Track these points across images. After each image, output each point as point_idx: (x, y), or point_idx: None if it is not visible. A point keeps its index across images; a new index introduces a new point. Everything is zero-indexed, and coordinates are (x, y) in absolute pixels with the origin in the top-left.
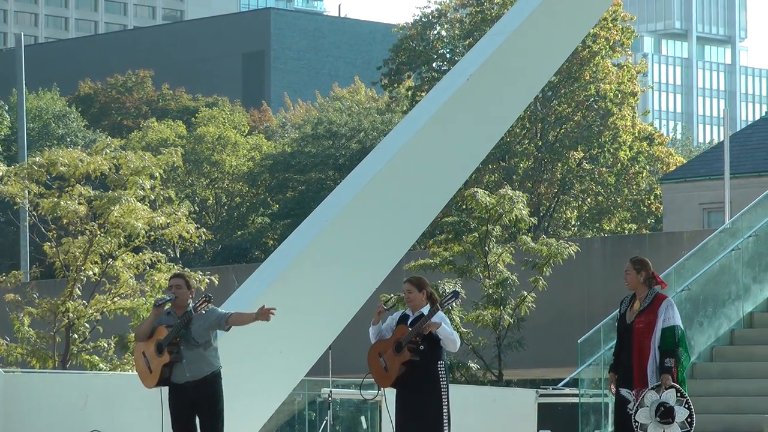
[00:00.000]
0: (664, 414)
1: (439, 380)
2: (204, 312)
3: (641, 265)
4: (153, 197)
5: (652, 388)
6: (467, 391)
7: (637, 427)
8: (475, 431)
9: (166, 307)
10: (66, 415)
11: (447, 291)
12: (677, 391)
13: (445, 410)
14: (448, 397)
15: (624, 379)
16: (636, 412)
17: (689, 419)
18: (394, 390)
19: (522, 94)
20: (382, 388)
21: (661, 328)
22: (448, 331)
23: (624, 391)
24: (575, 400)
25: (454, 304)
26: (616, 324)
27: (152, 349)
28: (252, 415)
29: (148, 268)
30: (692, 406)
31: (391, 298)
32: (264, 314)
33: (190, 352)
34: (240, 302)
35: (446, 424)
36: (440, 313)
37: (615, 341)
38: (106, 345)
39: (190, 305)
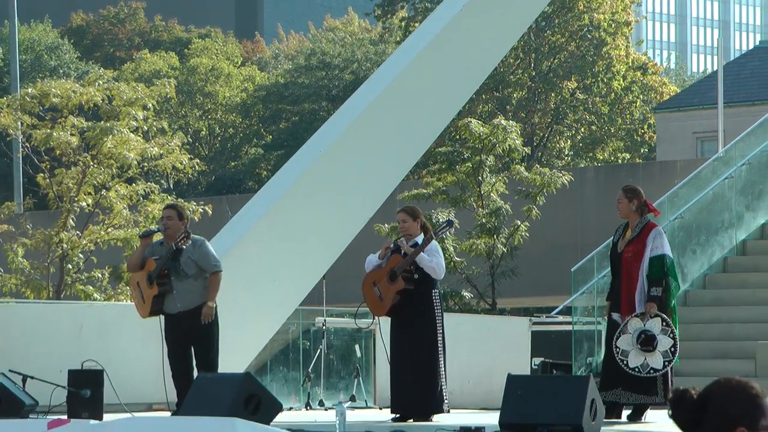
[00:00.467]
0: (645, 342)
1: (434, 309)
2: (184, 247)
3: (633, 193)
4: (146, 128)
5: (636, 316)
6: (461, 319)
7: (617, 353)
8: (469, 359)
9: (155, 238)
10: (61, 345)
11: (441, 221)
12: (663, 320)
13: (440, 339)
14: (442, 326)
15: (615, 305)
16: (617, 338)
17: (672, 349)
18: (389, 319)
19: (516, 23)
20: (376, 317)
21: (648, 257)
22: (428, 260)
23: (615, 315)
24: (568, 328)
25: (447, 232)
26: (609, 252)
27: (145, 280)
28: (247, 344)
29: (141, 198)
30: (677, 336)
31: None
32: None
33: (180, 283)
34: (234, 232)
35: (441, 354)
36: (434, 243)
37: (608, 269)
38: (100, 275)
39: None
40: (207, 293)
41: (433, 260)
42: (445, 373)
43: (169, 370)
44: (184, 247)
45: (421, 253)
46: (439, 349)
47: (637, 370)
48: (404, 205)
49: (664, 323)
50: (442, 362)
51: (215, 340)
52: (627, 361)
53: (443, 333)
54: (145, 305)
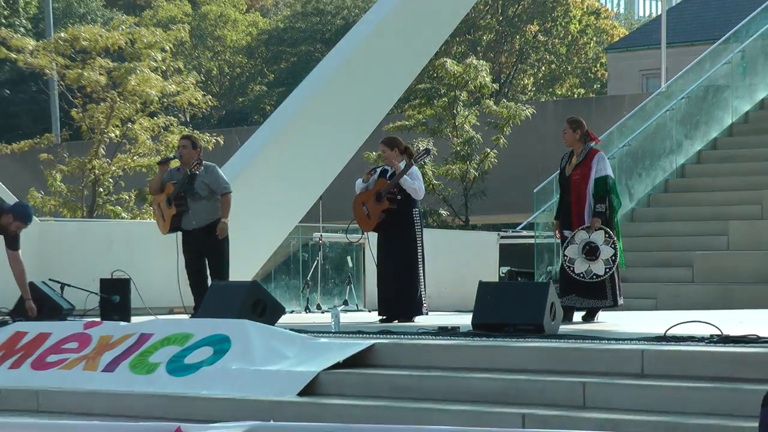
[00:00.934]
0: (590, 251)
1: (414, 225)
2: (197, 172)
3: (577, 124)
4: (164, 68)
5: (583, 229)
6: (438, 234)
7: (565, 260)
8: (446, 269)
9: (172, 165)
10: (93, 257)
11: (420, 149)
12: (606, 233)
13: (419, 250)
14: (422, 240)
15: (565, 222)
16: (565, 248)
17: (613, 257)
18: (376, 234)
19: None
20: (365, 232)
21: (594, 178)
22: (410, 182)
23: (567, 232)
24: (531, 241)
25: (425, 160)
26: (558, 177)
27: (165, 202)
28: (254, 256)
29: (162, 130)
30: (618, 247)
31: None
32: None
33: (195, 203)
34: (243, 159)
35: (420, 264)
36: (414, 168)
37: (558, 202)
38: (127, 197)
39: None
40: (219, 212)
41: (415, 183)
42: (424, 281)
43: (186, 278)
44: (198, 172)
45: (404, 176)
46: (419, 260)
47: (581, 275)
48: (384, 137)
49: (606, 235)
50: (422, 272)
51: (226, 252)
52: (573, 268)
53: (422, 246)
54: (165, 223)
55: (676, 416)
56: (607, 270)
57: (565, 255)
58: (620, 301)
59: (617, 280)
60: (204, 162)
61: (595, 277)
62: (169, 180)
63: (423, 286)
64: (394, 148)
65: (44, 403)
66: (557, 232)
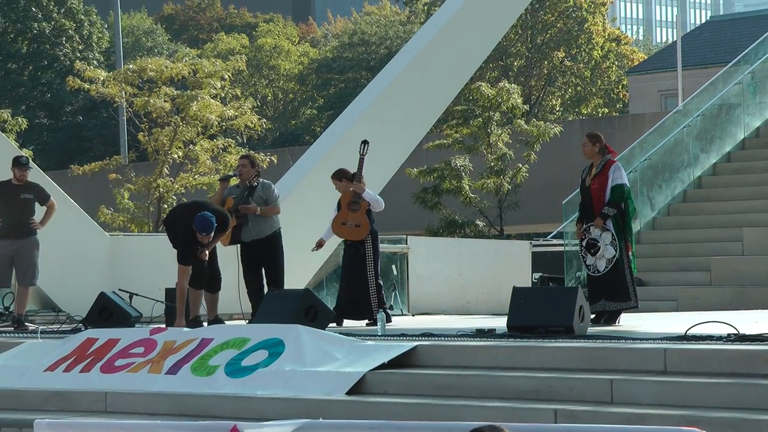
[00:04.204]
0: (589, 246)
1: (374, 234)
2: (255, 184)
3: (595, 138)
4: (223, 95)
5: (592, 225)
6: (476, 243)
7: (581, 251)
8: (483, 275)
9: (232, 182)
10: (159, 270)
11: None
12: (612, 236)
13: (371, 261)
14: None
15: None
16: (581, 241)
17: (613, 258)
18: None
19: (514, 6)
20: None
21: (611, 186)
22: (371, 195)
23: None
24: (561, 248)
25: (365, 149)
26: (580, 187)
27: None
28: (307, 266)
29: (221, 151)
30: (618, 249)
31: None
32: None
33: (254, 217)
34: (296, 176)
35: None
36: (367, 190)
37: (578, 207)
38: None
39: (257, 180)
40: (277, 225)
41: (376, 195)
42: (379, 286)
43: (245, 287)
44: (255, 184)
45: (367, 190)
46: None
47: (590, 268)
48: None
49: (612, 238)
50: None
51: (281, 263)
52: (586, 260)
53: (376, 255)
54: (226, 236)
55: (697, 410)
56: (607, 267)
57: (582, 246)
58: (635, 303)
59: (632, 282)
60: (261, 179)
61: (597, 271)
62: (229, 195)
63: (374, 291)
64: (342, 180)
65: (112, 404)
66: (578, 233)
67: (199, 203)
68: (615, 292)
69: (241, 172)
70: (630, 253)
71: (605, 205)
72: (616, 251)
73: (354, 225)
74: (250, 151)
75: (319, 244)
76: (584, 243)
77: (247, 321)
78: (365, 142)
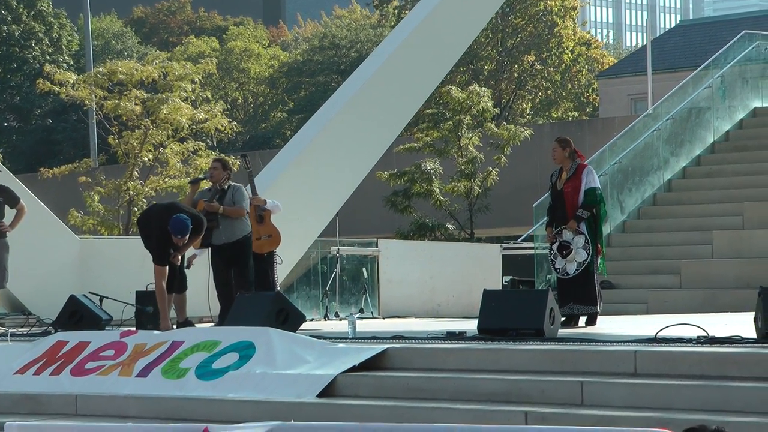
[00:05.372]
0: (561, 248)
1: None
2: (226, 187)
3: (565, 143)
4: (194, 98)
5: (565, 228)
6: (446, 246)
7: (551, 254)
8: (454, 278)
9: (203, 185)
10: (128, 272)
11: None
12: (585, 239)
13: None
14: None
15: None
16: (552, 244)
17: (584, 261)
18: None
19: (484, 10)
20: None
21: (584, 190)
22: (270, 203)
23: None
24: (531, 251)
25: (246, 162)
26: (549, 192)
27: None
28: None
29: (191, 154)
30: (590, 253)
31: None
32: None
33: (224, 220)
34: (267, 179)
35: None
36: (267, 200)
37: (547, 211)
38: None
39: (228, 184)
40: (248, 228)
41: (274, 202)
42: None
43: (214, 290)
44: (227, 187)
45: (267, 200)
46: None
47: (559, 271)
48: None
49: (585, 241)
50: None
51: (251, 265)
52: (555, 263)
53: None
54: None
55: (667, 412)
56: (577, 270)
57: (551, 250)
58: (599, 308)
59: (597, 287)
60: (231, 183)
61: (566, 274)
62: (201, 198)
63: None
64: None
65: (82, 407)
66: (549, 237)
67: (174, 205)
68: (584, 295)
69: (212, 174)
70: (600, 257)
71: (579, 207)
72: (588, 255)
73: (267, 236)
74: (221, 155)
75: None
76: (555, 246)
77: (215, 323)
78: (244, 156)
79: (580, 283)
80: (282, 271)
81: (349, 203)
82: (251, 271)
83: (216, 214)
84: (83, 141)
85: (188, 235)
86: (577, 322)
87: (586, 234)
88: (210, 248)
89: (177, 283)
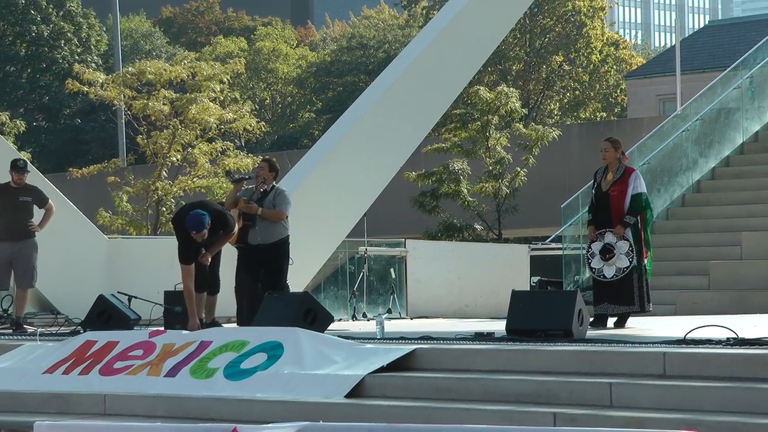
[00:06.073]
0: (604, 251)
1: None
2: (268, 188)
3: (617, 143)
4: (222, 98)
5: (610, 231)
6: (474, 247)
7: (593, 272)
8: (482, 278)
9: (245, 184)
10: (157, 272)
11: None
12: (630, 246)
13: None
14: None
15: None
16: (591, 242)
17: (625, 268)
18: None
19: (512, 11)
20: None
21: (631, 195)
22: (267, 211)
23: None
24: (559, 252)
25: (243, 178)
26: (593, 191)
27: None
28: (306, 268)
29: (219, 154)
30: (634, 260)
31: None
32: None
33: (262, 221)
34: (294, 179)
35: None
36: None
37: (588, 209)
38: None
39: (272, 185)
40: (286, 232)
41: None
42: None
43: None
44: (268, 189)
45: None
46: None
47: (595, 271)
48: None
49: (629, 248)
50: None
51: (285, 269)
52: (591, 261)
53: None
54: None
55: (696, 414)
56: (615, 276)
57: (590, 248)
58: (648, 308)
59: (645, 288)
60: (276, 185)
61: (603, 276)
62: (242, 197)
63: None
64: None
65: (111, 406)
66: (592, 234)
67: (201, 203)
68: (620, 296)
69: (258, 173)
70: (646, 260)
71: (626, 213)
72: (630, 263)
73: None
74: (249, 155)
75: None
76: (597, 246)
77: (237, 323)
78: (236, 177)
79: (616, 285)
80: (310, 271)
81: (377, 203)
82: (284, 277)
83: (254, 214)
84: (112, 141)
85: (206, 231)
86: (605, 324)
87: (631, 240)
88: (242, 247)
89: (208, 284)
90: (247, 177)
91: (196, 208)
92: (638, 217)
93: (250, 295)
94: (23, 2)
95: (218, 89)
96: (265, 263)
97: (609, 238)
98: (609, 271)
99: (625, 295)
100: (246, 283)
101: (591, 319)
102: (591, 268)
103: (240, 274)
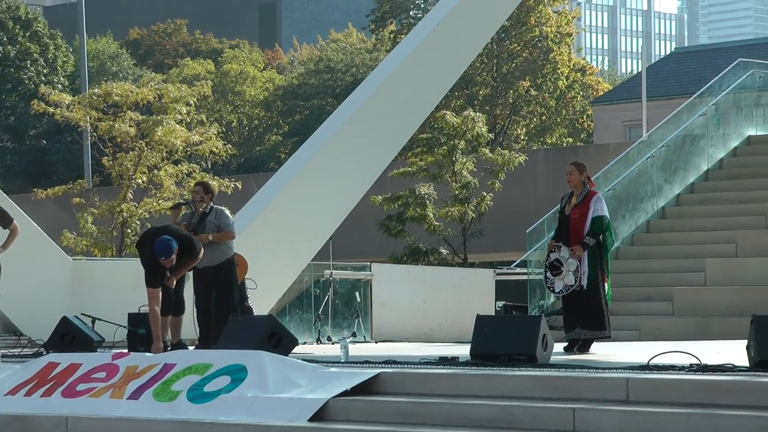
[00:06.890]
0: (552, 267)
1: None
2: (207, 210)
3: (583, 167)
4: (188, 120)
5: (570, 249)
6: (440, 271)
7: (546, 283)
8: (447, 303)
9: (183, 210)
10: (121, 294)
11: (422, 192)
12: (578, 266)
13: None
14: None
15: None
16: (550, 254)
17: (571, 286)
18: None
19: (479, 36)
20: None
21: (591, 217)
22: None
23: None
24: (525, 277)
25: (180, 204)
26: (558, 215)
27: None
28: (270, 291)
29: (185, 176)
30: (581, 281)
31: None
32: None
33: (208, 244)
34: (260, 203)
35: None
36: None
37: (554, 230)
38: None
39: (210, 206)
40: (229, 252)
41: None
42: None
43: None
44: (207, 211)
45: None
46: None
47: (560, 291)
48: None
49: (577, 268)
50: None
51: (233, 289)
52: (553, 287)
53: None
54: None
55: None
56: (561, 291)
57: (546, 265)
58: (609, 333)
59: (606, 313)
60: (214, 205)
61: (553, 290)
62: (182, 222)
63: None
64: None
65: (73, 428)
66: (551, 244)
67: (167, 228)
68: (591, 320)
69: (195, 198)
70: (606, 284)
71: (586, 235)
72: (575, 282)
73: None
74: (215, 177)
75: None
76: (550, 259)
77: (195, 346)
78: (183, 203)
79: (587, 308)
80: (275, 295)
81: (343, 227)
82: (234, 296)
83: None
84: (77, 162)
85: (174, 257)
86: (584, 348)
87: (587, 263)
88: (193, 271)
89: (172, 306)
90: (184, 202)
91: (162, 232)
92: (598, 239)
93: (206, 316)
94: None
95: (185, 111)
96: (214, 285)
97: (562, 252)
98: (558, 286)
99: (596, 320)
100: (203, 308)
101: (565, 345)
102: (545, 278)
103: (197, 300)
